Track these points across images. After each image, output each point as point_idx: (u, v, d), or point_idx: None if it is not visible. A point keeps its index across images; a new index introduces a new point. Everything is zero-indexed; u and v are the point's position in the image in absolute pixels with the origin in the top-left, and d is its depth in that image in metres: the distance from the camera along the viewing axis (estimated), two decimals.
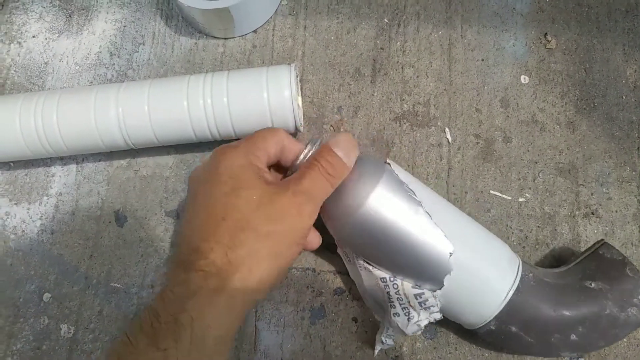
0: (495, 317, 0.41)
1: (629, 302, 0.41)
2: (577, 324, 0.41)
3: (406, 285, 0.42)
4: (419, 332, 0.41)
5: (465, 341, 0.48)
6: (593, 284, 0.42)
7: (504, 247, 0.44)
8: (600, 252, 0.44)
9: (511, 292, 0.41)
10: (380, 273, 0.42)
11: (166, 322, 0.32)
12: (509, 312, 0.41)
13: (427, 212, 0.40)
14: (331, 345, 0.49)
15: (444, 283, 0.40)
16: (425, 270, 0.40)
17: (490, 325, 0.41)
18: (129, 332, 0.33)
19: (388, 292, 0.42)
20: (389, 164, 0.42)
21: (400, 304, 0.42)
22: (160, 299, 0.34)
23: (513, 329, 0.41)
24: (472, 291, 0.41)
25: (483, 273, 0.41)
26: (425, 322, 0.41)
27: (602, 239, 0.46)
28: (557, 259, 0.50)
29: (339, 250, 0.47)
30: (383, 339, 0.44)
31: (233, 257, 0.34)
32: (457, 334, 0.49)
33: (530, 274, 0.43)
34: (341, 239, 0.45)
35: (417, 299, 0.41)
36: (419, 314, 0.41)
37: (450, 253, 0.39)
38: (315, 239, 0.43)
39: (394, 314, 0.42)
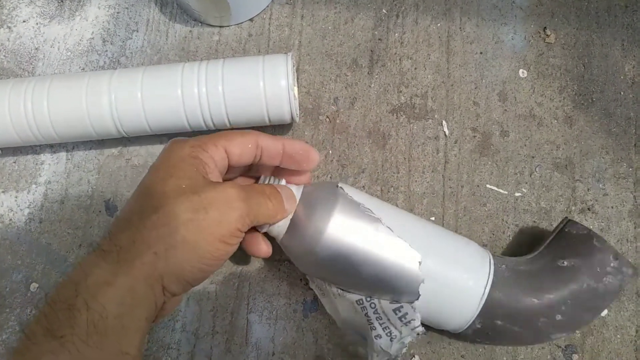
0: (478, 315, 0.41)
1: (603, 272, 0.42)
2: (559, 304, 0.41)
3: (383, 303, 0.41)
4: (404, 350, 0.40)
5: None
6: (565, 262, 0.42)
7: (472, 245, 0.44)
8: (566, 230, 0.45)
9: (488, 288, 0.41)
10: (355, 296, 0.42)
11: (60, 309, 0.30)
12: (491, 307, 0.41)
13: (388, 227, 0.40)
14: (323, 339, 0.48)
15: (419, 292, 0.39)
16: (398, 284, 0.40)
17: (476, 324, 0.41)
18: (26, 327, 0.31)
19: (366, 314, 0.41)
20: (341, 187, 0.42)
21: (381, 324, 0.41)
22: (57, 286, 0.32)
23: (498, 322, 0.41)
24: (448, 297, 0.41)
25: (454, 276, 0.41)
26: (409, 339, 0.40)
27: (566, 217, 0.46)
28: (528, 244, 0.50)
29: (311, 285, 0.46)
30: None
31: (139, 239, 0.32)
32: None
33: (503, 266, 0.43)
34: (309, 273, 0.45)
35: (396, 314, 0.41)
36: (400, 332, 0.40)
37: (419, 262, 0.39)
38: (263, 247, 0.42)
39: (375, 336, 0.41)
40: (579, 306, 0.41)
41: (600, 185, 0.51)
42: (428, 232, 0.43)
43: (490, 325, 0.41)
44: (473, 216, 0.50)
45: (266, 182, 0.41)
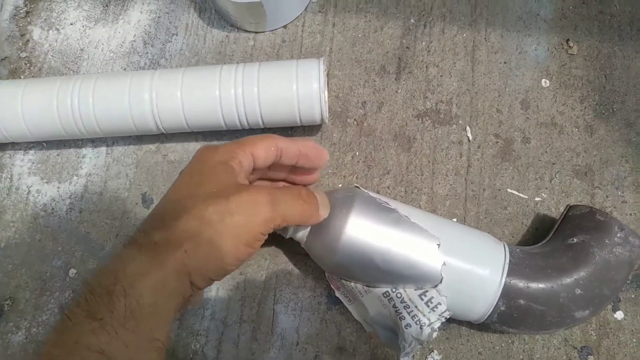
0: (500, 296, 0.42)
1: (612, 242, 0.44)
2: (576, 278, 0.43)
3: (409, 291, 0.43)
4: (435, 335, 0.42)
5: (477, 333, 0.49)
6: (575, 239, 0.45)
7: (486, 235, 0.45)
8: (570, 214, 0.47)
9: (505, 272, 0.42)
10: (381, 289, 0.43)
11: (100, 295, 0.32)
12: (511, 289, 0.42)
13: (405, 215, 0.42)
14: (346, 331, 0.50)
15: (442, 275, 0.41)
16: (420, 270, 0.41)
17: (500, 307, 0.43)
18: (65, 307, 0.33)
19: (394, 305, 0.43)
20: (357, 186, 0.44)
21: (409, 313, 0.42)
22: (95, 274, 0.34)
23: (522, 301, 0.43)
24: (469, 285, 0.43)
25: (472, 264, 0.42)
26: (438, 324, 0.42)
27: (567, 204, 0.48)
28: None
29: (337, 294, 0.47)
30: None
31: (172, 237, 0.34)
32: (470, 327, 0.50)
33: (518, 250, 0.45)
34: (333, 272, 0.46)
35: (422, 299, 0.42)
36: (429, 319, 0.42)
37: (438, 244, 0.41)
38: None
39: (405, 325, 0.42)
40: (596, 280, 0.43)
41: (619, 193, 0.52)
42: (442, 225, 0.44)
43: (514, 306, 0.43)
44: (494, 219, 0.52)
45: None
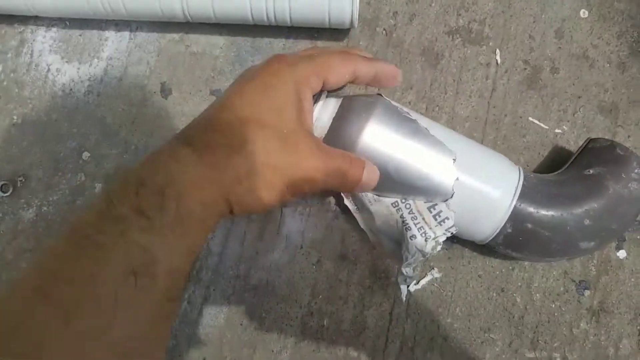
0: (509, 218, 0.42)
1: (628, 177, 0.44)
2: (587, 209, 0.43)
3: (418, 203, 0.43)
4: (439, 249, 0.42)
5: (479, 256, 0.50)
6: (592, 171, 0.45)
7: (502, 157, 0.45)
8: (590, 146, 0.47)
9: (517, 194, 0.42)
10: (390, 199, 0.43)
11: (152, 191, 0.31)
12: (521, 213, 0.43)
13: (425, 127, 0.41)
14: (350, 240, 0.51)
15: (453, 190, 0.41)
16: (433, 183, 0.41)
17: (507, 229, 0.43)
18: (111, 192, 0.31)
19: (402, 215, 0.43)
20: (380, 94, 0.43)
21: (416, 224, 0.42)
22: (148, 166, 0.33)
23: (529, 225, 0.43)
24: (479, 203, 0.42)
25: (485, 182, 0.42)
26: (443, 238, 0.42)
27: (588, 137, 0.48)
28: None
29: (345, 201, 0.47)
30: (404, 271, 0.43)
31: (231, 159, 0.33)
32: (473, 249, 0.50)
33: (532, 175, 0.45)
34: None
35: (430, 212, 0.42)
36: (434, 232, 0.42)
37: (454, 159, 0.41)
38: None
39: (410, 236, 0.42)
40: (606, 212, 0.43)
41: None
42: (460, 141, 0.44)
43: (521, 229, 0.43)
44: (511, 145, 0.52)
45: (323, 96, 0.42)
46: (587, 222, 0.43)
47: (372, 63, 0.40)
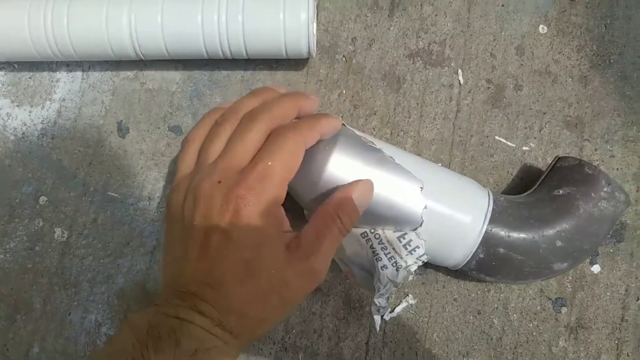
0: (480, 244, 0.42)
1: (597, 196, 0.43)
2: (559, 230, 0.43)
3: (387, 232, 0.42)
4: (410, 278, 0.41)
5: (453, 279, 0.49)
6: (561, 191, 0.44)
7: (471, 181, 0.45)
8: (558, 165, 0.46)
9: (487, 219, 0.42)
10: (359, 230, 0.42)
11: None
12: (492, 237, 0.42)
13: (389, 156, 0.40)
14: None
15: (422, 219, 0.40)
16: (401, 212, 0.40)
17: (479, 254, 0.42)
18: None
19: (371, 246, 0.42)
20: (343, 124, 0.42)
21: (386, 254, 0.41)
22: (160, 325, 0.32)
23: (501, 250, 0.42)
24: (449, 229, 0.42)
25: (454, 209, 0.42)
26: (415, 267, 0.41)
27: (557, 155, 0.47)
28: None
29: None
30: (376, 302, 0.42)
31: (246, 319, 0.34)
32: (447, 273, 0.49)
33: (502, 198, 0.45)
34: (313, 210, 0.44)
35: (400, 241, 0.41)
36: (406, 261, 0.41)
37: (421, 187, 0.40)
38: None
39: (381, 267, 0.41)
40: (577, 232, 0.43)
41: (608, 147, 0.51)
42: (427, 168, 0.43)
43: (493, 254, 0.42)
44: (479, 166, 0.51)
45: None
46: (559, 243, 0.42)
47: (293, 96, 0.40)
